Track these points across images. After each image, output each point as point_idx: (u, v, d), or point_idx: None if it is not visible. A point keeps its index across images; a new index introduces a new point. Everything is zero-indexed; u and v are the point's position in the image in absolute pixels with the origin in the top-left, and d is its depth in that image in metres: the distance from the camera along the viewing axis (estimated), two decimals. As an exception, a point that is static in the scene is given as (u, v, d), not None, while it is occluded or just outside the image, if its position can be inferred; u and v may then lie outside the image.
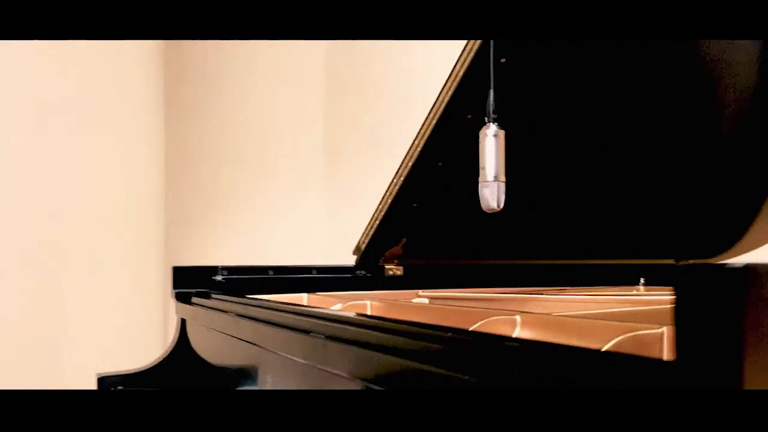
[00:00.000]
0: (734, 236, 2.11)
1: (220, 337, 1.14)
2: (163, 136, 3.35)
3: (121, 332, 2.77)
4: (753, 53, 1.30)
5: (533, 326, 0.81)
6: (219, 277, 1.38)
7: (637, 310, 1.09)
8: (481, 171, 1.02)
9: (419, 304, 1.17)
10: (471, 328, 0.82)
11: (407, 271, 1.53)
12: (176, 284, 1.36)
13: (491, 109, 1.03)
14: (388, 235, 1.45)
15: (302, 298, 1.36)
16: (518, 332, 0.82)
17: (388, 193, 1.38)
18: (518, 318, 0.83)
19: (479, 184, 1.02)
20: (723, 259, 2.17)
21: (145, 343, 2.92)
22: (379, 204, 1.42)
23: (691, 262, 2.11)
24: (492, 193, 1.01)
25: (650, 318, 1.03)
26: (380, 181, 3.67)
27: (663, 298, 1.28)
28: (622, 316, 1.02)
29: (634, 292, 1.53)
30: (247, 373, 1.08)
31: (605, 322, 0.80)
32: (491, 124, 1.02)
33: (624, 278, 1.95)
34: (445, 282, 1.49)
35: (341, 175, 3.59)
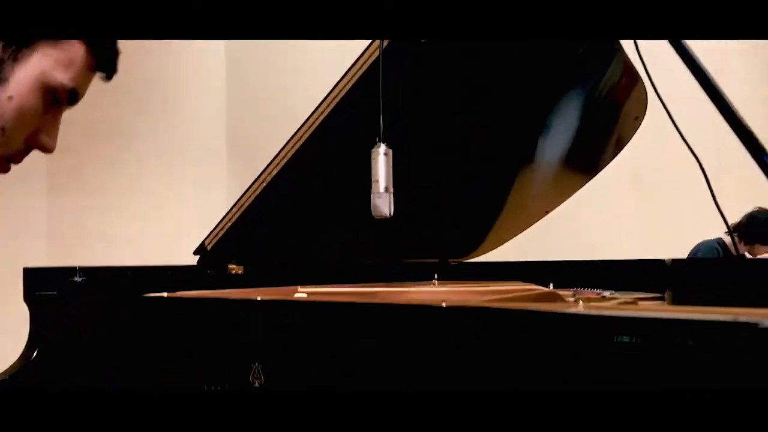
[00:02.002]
0: (477, 242, 2.61)
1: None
2: None
3: None
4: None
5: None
6: (77, 278, 1.32)
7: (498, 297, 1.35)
8: (374, 184, 1.20)
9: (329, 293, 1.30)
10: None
11: (246, 270, 1.63)
12: (31, 287, 1.27)
13: (382, 130, 1.22)
14: (237, 236, 1.53)
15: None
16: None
17: (245, 198, 1.47)
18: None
19: (372, 195, 1.20)
20: (471, 258, 2.64)
21: None
22: (233, 208, 1.50)
23: (451, 260, 2.54)
24: (384, 203, 1.20)
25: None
26: (109, 175, 3.54)
27: (496, 288, 1.58)
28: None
29: (459, 288, 1.81)
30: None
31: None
32: (382, 144, 1.21)
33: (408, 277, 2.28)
34: (284, 279, 1.64)
35: (64, 167, 3.39)
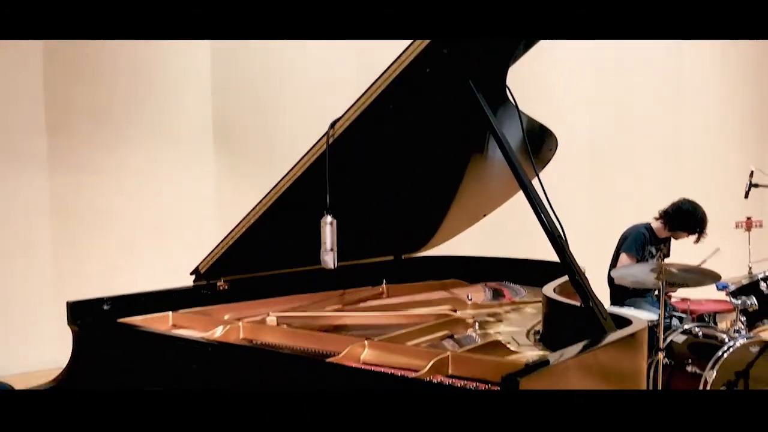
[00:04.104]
0: (427, 237, 3.05)
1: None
2: None
3: None
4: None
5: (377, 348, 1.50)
6: (106, 306, 1.78)
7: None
8: (322, 245, 1.65)
9: (284, 330, 1.77)
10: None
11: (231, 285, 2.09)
12: (73, 317, 1.72)
13: (328, 203, 1.65)
14: (227, 261, 1.98)
15: (168, 316, 1.87)
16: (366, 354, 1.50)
17: (234, 232, 1.91)
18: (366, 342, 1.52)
19: (321, 253, 1.65)
20: (423, 252, 3.10)
21: None
22: (224, 239, 1.94)
23: (404, 256, 2.99)
24: (330, 259, 1.65)
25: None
26: (104, 156, 3.90)
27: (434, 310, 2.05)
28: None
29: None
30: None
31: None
32: (328, 215, 1.65)
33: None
34: (261, 291, 2.11)
35: (63, 149, 3.74)
